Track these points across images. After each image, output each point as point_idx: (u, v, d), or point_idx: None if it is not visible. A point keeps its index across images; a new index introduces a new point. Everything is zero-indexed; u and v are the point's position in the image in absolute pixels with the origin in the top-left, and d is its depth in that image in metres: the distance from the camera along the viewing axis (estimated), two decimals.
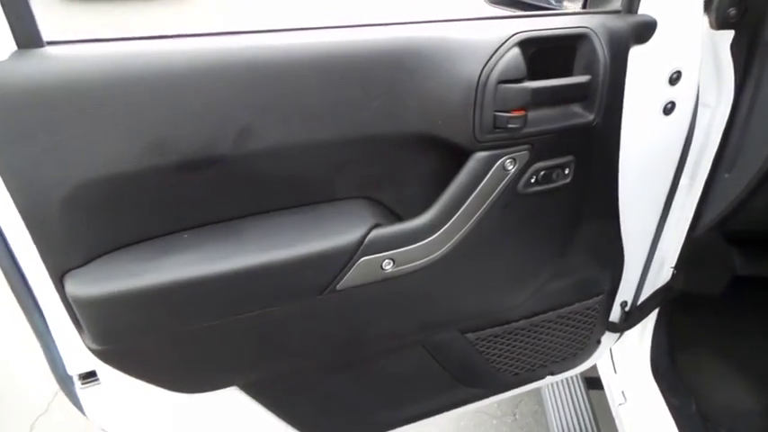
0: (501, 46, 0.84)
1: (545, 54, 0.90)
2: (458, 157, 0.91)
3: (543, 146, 0.93)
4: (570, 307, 1.26)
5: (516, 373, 1.31)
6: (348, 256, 0.88)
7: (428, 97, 0.85)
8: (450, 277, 1.02)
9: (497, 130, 0.87)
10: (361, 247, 0.89)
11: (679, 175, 1.17)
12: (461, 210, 0.93)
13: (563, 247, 1.12)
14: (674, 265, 1.37)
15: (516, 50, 0.84)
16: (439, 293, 1.04)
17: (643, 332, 1.53)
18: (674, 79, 1.03)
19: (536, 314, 1.23)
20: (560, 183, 0.99)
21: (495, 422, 2.31)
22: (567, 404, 1.74)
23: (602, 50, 0.91)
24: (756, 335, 1.76)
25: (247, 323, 0.91)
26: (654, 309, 1.41)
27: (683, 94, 1.05)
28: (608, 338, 1.42)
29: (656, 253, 1.32)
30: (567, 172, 0.98)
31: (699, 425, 1.42)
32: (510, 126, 0.86)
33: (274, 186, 0.87)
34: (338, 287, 0.91)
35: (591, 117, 0.94)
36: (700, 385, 1.54)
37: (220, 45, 0.75)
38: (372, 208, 0.93)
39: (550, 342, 1.30)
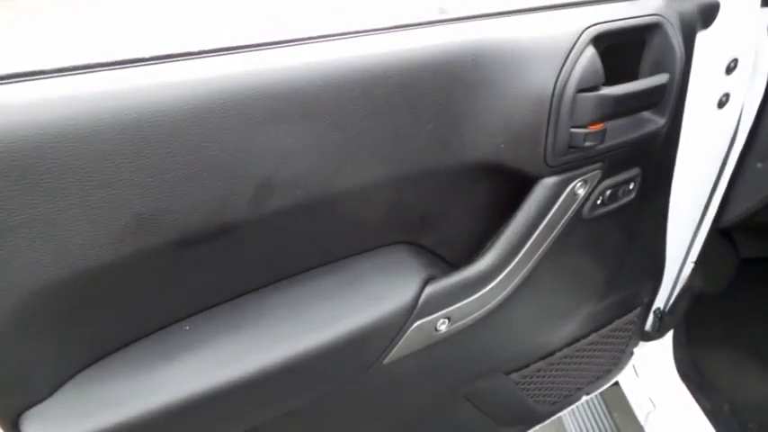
0: (575, 45, 0.66)
1: (612, 51, 0.73)
2: (518, 184, 0.73)
3: (614, 161, 0.77)
4: (611, 325, 1.13)
5: (554, 402, 1.17)
6: (399, 324, 0.69)
7: (489, 116, 0.66)
8: (507, 323, 0.85)
9: (572, 150, 0.70)
10: (416, 311, 0.70)
11: (722, 170, 1.05)
12: (526, 247, 0.75)
13: (616, 269, 0.98)
14: (695, 259, 1.27)
15: (592, 50, 0.67)
16: (491, 342, 0.87)
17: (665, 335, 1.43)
18: (731, 68, 0.89)
19: (577, 339, 1.09)
20: (624, 201, 0.84)
21: None
22: (585, 409, 1.64)
23: (677, 42, 0.75)
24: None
25: (274, 426, 0.70)
26: (683, 310, 1.31)
27: (737, 85, 0.92)
28: (640, 348, 1.31)
29: (689, 252, 1.20)
30: (631, 187, 0.83)
31: (735, 425, 1.35)
32: (587, 144, 0.69)
33: (298, 247, 0.66)
34: (386, 361, 0.72)
35: (662, 122, 0.79)
36: (724, 381, 1.47)
37: (222, 69, 0.52)
38: (419, 256, 0.74)
39: (589, 364, 1.17)
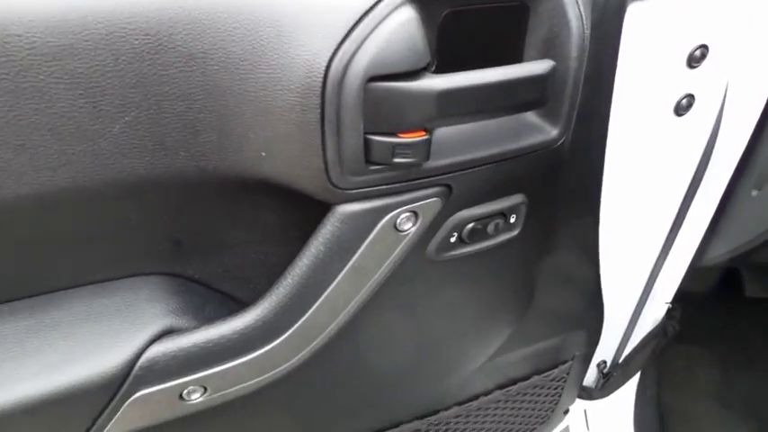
0: (373, 8, 0.41)
1: (470, 22, 0.48)
2: (311, 205, 0.50)
3: (470, 186, 0.53)
4: (526, 382, 0.88)
5: None
6: (105, 393, 0.49)
7: (234, 108, 0.43)
8: (321, 386, 0.63)
9: (374, 168, 0.46)
10: (131, 377, 0.49)
11: (691, 198, 0.78)
12: (323, 298, 0.53)
13: (514, 317, 0.74)
14: (669, 300, 1.00)
15: (407, 13, 0.42)
16: (303, 408, 0.66)
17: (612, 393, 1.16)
18: (697, 59, 0.62)
19: (476, 397, 0.85)
20: (502, 238, 0.59)
21: None
22: None
23: (576, 13, 0.49)
24: (761, 369, 1.42)
25: None
26: (643, 362, 1.04)
27: (706, 83, 0.65)
28: (581, 404, 1.06)
29: (650, 294, 0.94)
30: (513, 221, 0.58)
31: None
32: (399, 161, 0.45)
33: None
34: None
35: (554, 133, 0.54)
36: None
37: None
38: (163, 297, 0.53)
39: (498, 423, 0.93)
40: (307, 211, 0.52)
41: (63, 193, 0.42)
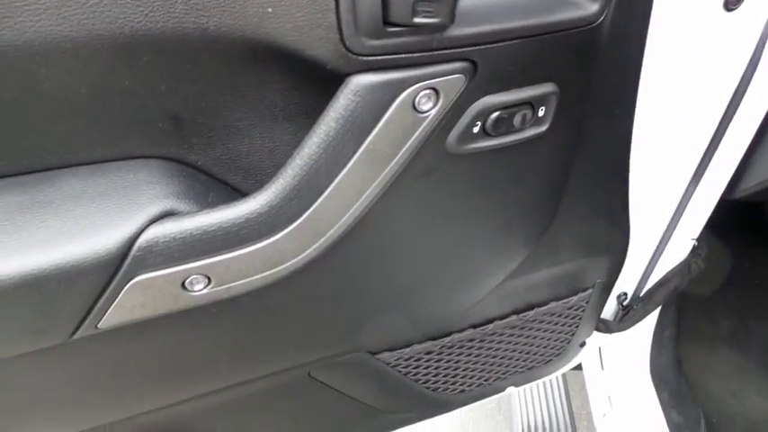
0: None
1: None
2: (324, 81, 0.46)
3: (497, 66, 0.48)
4: (544, 308, 0.85)
5: (462, 391, 0.93)
6: (102, 274, 0.46)
7: None
8: (331, 288, 0.60)
9: (393, 31, 0.42)
10: (129, 259, 0.46)
11: (732, 113, 0.72)
12: (335, 184, 0.49)
13: (535, 232, 0.70)
14: (696, 236, 0.95)
15: None
16: (313, 312, 0.63)
17: (642, 321, 1.13)
18: None
19: (491, 321, 0.82)
20: (530, 133, 0.54)
21: None
22: (538, 392, 1.39)
23: None
24: None
25: None
26: (664, 298, 1.00)
27: None
28: (597, 338, 1.03)
29: (677, 226, 0.89)
30: (541, 114, 0.54)
31: None
32: (420, 21, 0.41)
33: None
34: (101, 325, 0.49)
35: (593, 8, 0.48)
36: (711, 387, 1.18)
37: None
38: (167, 180, 0.49)
39: (513, 351, 0.91)
40: (317, 90, 0.48)
41: (47, 42, 0.38)
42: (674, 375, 1.15)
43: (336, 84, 0.45)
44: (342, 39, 0.41)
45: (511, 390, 1.01)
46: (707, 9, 0.58)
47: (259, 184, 0.54)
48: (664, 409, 1.07)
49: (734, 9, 0.59)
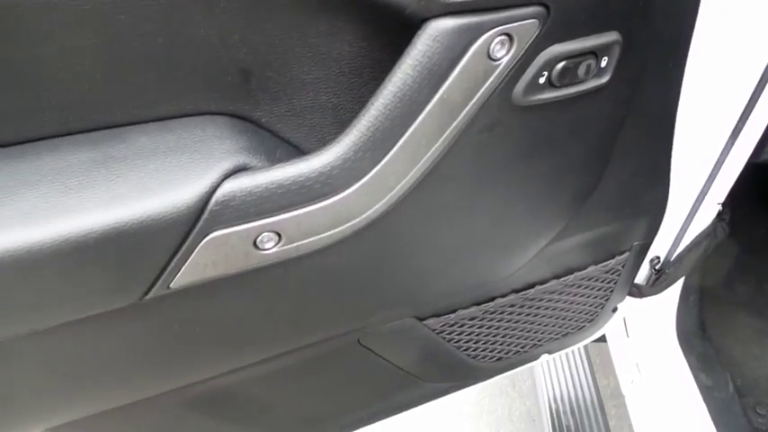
0: None
1: None
2: (396, 30, 0.45)
3: (568, 11, 0.47)
4: (582, 272, 0.86)
5: (499, 359, 0.94)
6: (179, 230, 0.45)
7: None
8: (392, 249, 0.60)
9: None
10: (206, 214, 0.45)
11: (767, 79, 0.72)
12: (406, 136, 0.48)
13: (585, 191, 0.70)
14: (721, 200, 0.96)
15: None
16: (373, 275, 0.63)
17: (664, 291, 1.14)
18: None
19: (532, 285, 0.83)
20: (591, 84, 0.54)
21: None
22: (562, 367, 1.40)
23: None
24: None
25: (19, 350, 0.49)
26: (694, 262, 1.01)
27: None
28: (627, 304, 1.03)
29: (710, 189, 0.89)
30: (604, 64, 0.53)
31: (737, 409, 1.08)
32: None
33: (20, 90, 0.41)
34: (173, 285, 0.49)
35: None
36: (736, 355, 1.19)
37: None
38: (235, 135, 0.49)
39: (550, 317, 0.91)
40: (385, 42, 0.47)
41: None
42: (699, 340, 1.16)
43: (407, 33, 0.45)
44: None
45: (545, 357, 1.02)
46: None
47: (320, 142, 0.54)
48: (693, 373, 1.08)
49: None
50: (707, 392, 1.07)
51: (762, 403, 1.13)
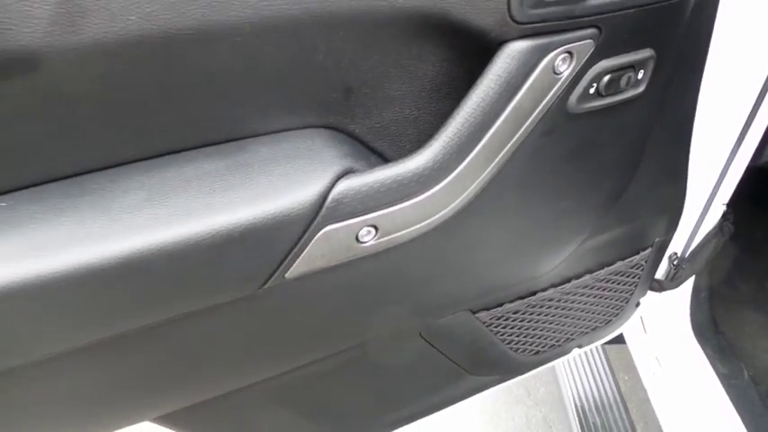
0: None
1: None
2: (476, 52, 0.54)
3: (614, 33, 0.57)
4: (611, 267, 0.94)
5: (537, 352, 1.01)
6: (300, 225, 0.53)
7: None
8: (464, 244, 0.68)
9: (548, 2, 0.50)
10: (323, 210, 0.53)
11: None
12: (485, 140, 0.57)
13: (618, 191, 0.78)
14: (726, 201, 1.06)
15: None
16: (445, 268, 0.70)
17: (681, 285, 1.23)
18: None
19: (568, 280, 0.91)
20: (630, 94, 0.63)
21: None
22: (583, 368, 1.47)
23: None
24: None
25: (141, 340, 0.56)
26: (706, 259, 1.10)
27: None
28: (648, 299, 1.12)
29: (720, 188, 0.99)
30: (640, 76, 0.63)
31: (753, 394, 1.16)
32: None
33: (155, 111, 0.49)
34: (288, 275, 0.56)
35: None
36: (747, 346, 1.28)
37: None
38: (340, 145, 0.57)
39: (582, 311, 0.99)
40: (463, 62, 0.56)
41: (273, 19, 0.46)
42: (713, 333, 1.24)
43: (483, 55, 0.54)
44: (509, 9, 0.49)
45: (575, 351, 1.09)
46: None
47: (402, 150, 0.62)
48: (711, 362, 1.16)
49: None
50: (725, 380, 1.15)
51: None
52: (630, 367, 1.45)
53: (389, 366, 0.86)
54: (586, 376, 1.45)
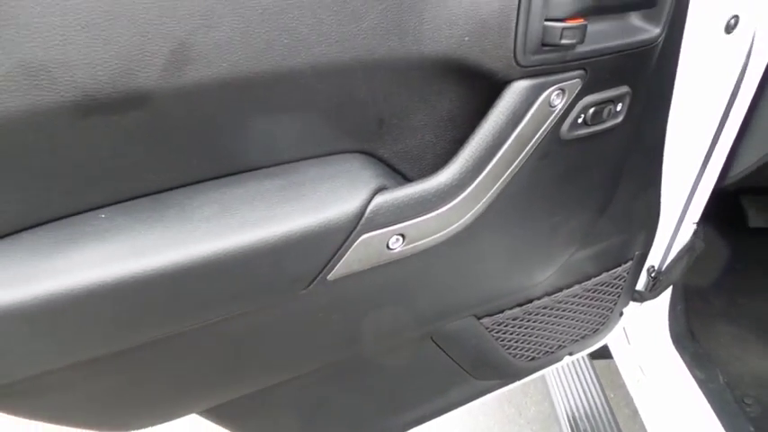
0: None
1: None
2: (487, 89, 0.66)
3: (597, 72, 0.69)
4: (598, 278, 1.05)
5: (532, 358, 1.11)
6: (343, 233, 0.63)
7: (451, 1, 0.59)
8: (474, 253, 0.78)
9: (546, 49, 0.62)
10: (363, 220, 0.63)
11: (729, 109, 0.96)
12: (493, 162, 0.68)
13: (602, 207, 0.90)
14: (696, 220, 1.19)
15: None
16: (457, 274, 0.80)
17: (659, 297, 1.35)
18: None
19: (559, 289, 1.01)
20: (610, 123, 0.76)
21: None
22: (572, 381, 1.57)
23: None
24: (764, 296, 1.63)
25: (200, 336, 0.64)
26: (680, 273, 1.22)
27: (747, 4, 0.83)
28: (630, 309, 1.23)
29: (689, 208, 1.12)
30: (619, 108, 0.75)
31: (728, 397, 1.27)
32: (564, 41, 0.61)
33: (228, 138, 0.59)
34: (329, 277, 0.65)
35: (656, 32, 0.71)
36: (721, 353, 1.39)
37: None
38: (373, 166, 0.67)
39: (573, 319, 1.10)
40: (474, 98, 0.68)
41: (309, 69, 0.56)
42: (690, 342, 1.36)
43: (492, 91, 0.65)
44: (514, 55, 0.61)
45: (567, 359, 1.19)
46: (713, 32, 0.83)
47: (421, 171, 0.73)
48: (689, 369, 1.27)
49: (731, 32, 0.84)
50: (703, 385, 1.26)
51: (747, 395, 1.32)
52: (616, 385, 1.55)
53: (402, 369, 0.95)
54: (577, 392, 1.54)
